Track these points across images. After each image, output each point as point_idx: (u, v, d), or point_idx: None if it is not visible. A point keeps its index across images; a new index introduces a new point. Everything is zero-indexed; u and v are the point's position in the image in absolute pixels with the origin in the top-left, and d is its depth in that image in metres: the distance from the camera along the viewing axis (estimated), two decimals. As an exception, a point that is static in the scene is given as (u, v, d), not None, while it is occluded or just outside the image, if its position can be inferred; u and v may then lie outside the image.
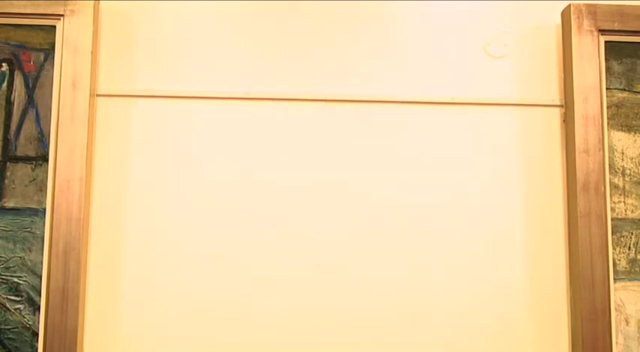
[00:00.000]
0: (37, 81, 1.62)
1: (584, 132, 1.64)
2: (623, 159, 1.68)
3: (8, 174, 1.59)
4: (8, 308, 1.56)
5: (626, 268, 1.65)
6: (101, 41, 1.67)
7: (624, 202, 1.67)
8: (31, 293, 1.56)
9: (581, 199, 1.62)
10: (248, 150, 1.66)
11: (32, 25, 1.63)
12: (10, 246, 1.57)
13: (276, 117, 1.67)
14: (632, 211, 1.67)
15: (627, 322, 1.63)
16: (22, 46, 1.63)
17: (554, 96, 1.72)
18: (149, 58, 1.67)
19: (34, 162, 1.60)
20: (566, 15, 1.70)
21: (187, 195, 1.63)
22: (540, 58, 1.74)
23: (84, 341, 1.58)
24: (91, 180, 1.62)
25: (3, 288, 1.56)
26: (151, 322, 1.60)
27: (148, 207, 1.63)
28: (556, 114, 1.72)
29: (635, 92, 1.71)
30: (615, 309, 1.63)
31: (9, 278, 1.56)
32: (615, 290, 1.63)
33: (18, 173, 1.59)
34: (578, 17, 1.67)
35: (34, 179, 1.59)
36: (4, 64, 1.62)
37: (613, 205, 1.66)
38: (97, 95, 1.65)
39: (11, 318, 1.55)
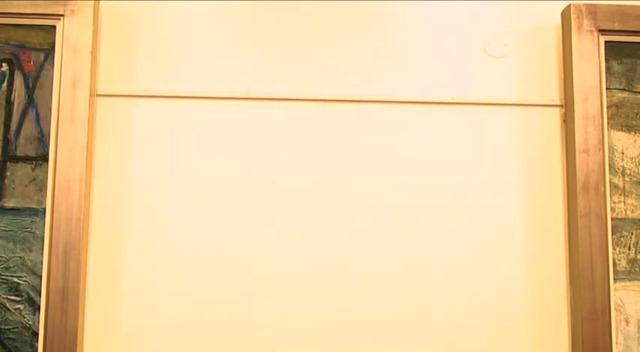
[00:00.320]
0: (37, 81, 1.62)
1: (584, 132, 1.64)
2: (623, 159, 1.68)
3: (8, 174, 1.59)
4: (8, 308, 1.56)
5: (626, 268, 1.65)
6: (101, 41, 1.67)
7: (624, 202, 1.67)
8: (31, 293, 1.56)
9: (581, 199, 1.62)
10: (248, 150, 1.66)
11: (32, 25, 1.63)
12: (10, 246, 1.57)
13: (276, 117, 1.67)
14: (632, 211, 1.67)
15: (627, 322, 1.63)
16: (22, 46, 1.63)
17: (554, 96, 1.72)
18: (149, 58, 1.67)
19: (34, 162, 1.60)
20: (566, 15, 1.70)
21: (187, 195, 1.63)
22: (540, 58, 1.74)
23: (84, 341, 1.58)
24: (91, 180, 1.62)
25: (3, 288, 1.56)
26: (151, 322, 1.60)
27: (148, 207, 1.63)
28: (556, 114, 1.72)
29: (635, 92, 1.71)
30: (615, 309, 1.63)
31: (9, 278, 1.56)
32: (615, 290, 1.63)
33: (18, 173, 1.59)
34: (578, 17, 1.67)
35: (34, 179, 1.59)
36: (4, 64, 1.62)
37: (613, 205, 1.66)
38: (97, 95, 1.65)
39: (11, 318, 1.55)
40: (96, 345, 1.59)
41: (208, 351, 1.59)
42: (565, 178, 1.69)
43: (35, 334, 1.55)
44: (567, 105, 1.69)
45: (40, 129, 1.61)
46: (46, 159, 1.60)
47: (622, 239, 1.66)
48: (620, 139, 1.69)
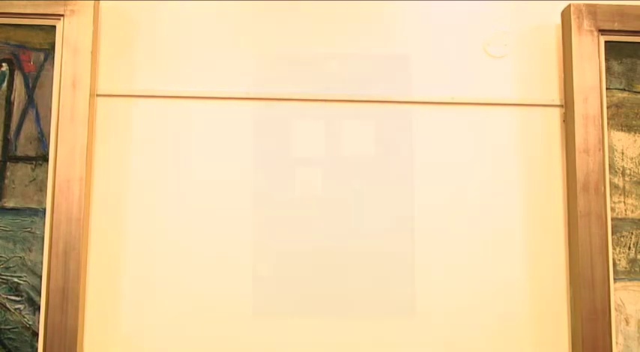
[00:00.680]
0: (37, 81, 1.62)
1: (584, 132, 1.64)
2: (623, 159, 1.68)
3: (8, 174, 1.59)
4: (8, 308, 1.56)
5: (626, 268, 1.65)
6: (101, 41, 1.67)
7: (624, 202, 1.67)
8: (31, 293, 1.56)
9: (581, 199, 1.62)
10: (248, 150, 1.66)
11: (32, 25, 1.63)
12: (10, 246, 1.57)
13: (276, 117, 1.67)
14: (632, 211, 1.67)
15: (627, 322, 1.64)
16: (22, 46, 1.63)
17: (554, 96, 1.72)
18: (149, 58, 1.67)
19: (34, 162, 1.60)
20: (566, 15, 1.70)
21: (187, 195, 1.63)
22: (540, 58, 1.74)
23: (84, 341, 1.58)
24: (91, 180, 1.62)
25: (3, 288, 1.56)
26: (151, 322, 1.60)
27: (148, 207, 1.63)
28: (556, 114, 1.72)
29: (635, 92, 1.71)
30: (615, 309, 1.63)
31: (9, 278, 1.56)
32: (615, 290, 1.63)
33: (18, 173, 1.59)
34: (578, 17, 1.67)
35: (34, 179, 1.59)
36: (4, 64, 1.62)
37: (613, 205, 1.66)
38: (97, 95, 1.65)
39: (11, 318, 1.55)
40: (96, 345, 1.58)
41: (208, 351, 1.60)
42: (565, 178, 1.69)
43: (35, 334, 1.55)
44: (567, 105, 1.69)
45: (40, 129, 1.61)
46: (46, 159, 1.60)
47: (622, 239, 1.66)
48: (620, 139, 1.69)
